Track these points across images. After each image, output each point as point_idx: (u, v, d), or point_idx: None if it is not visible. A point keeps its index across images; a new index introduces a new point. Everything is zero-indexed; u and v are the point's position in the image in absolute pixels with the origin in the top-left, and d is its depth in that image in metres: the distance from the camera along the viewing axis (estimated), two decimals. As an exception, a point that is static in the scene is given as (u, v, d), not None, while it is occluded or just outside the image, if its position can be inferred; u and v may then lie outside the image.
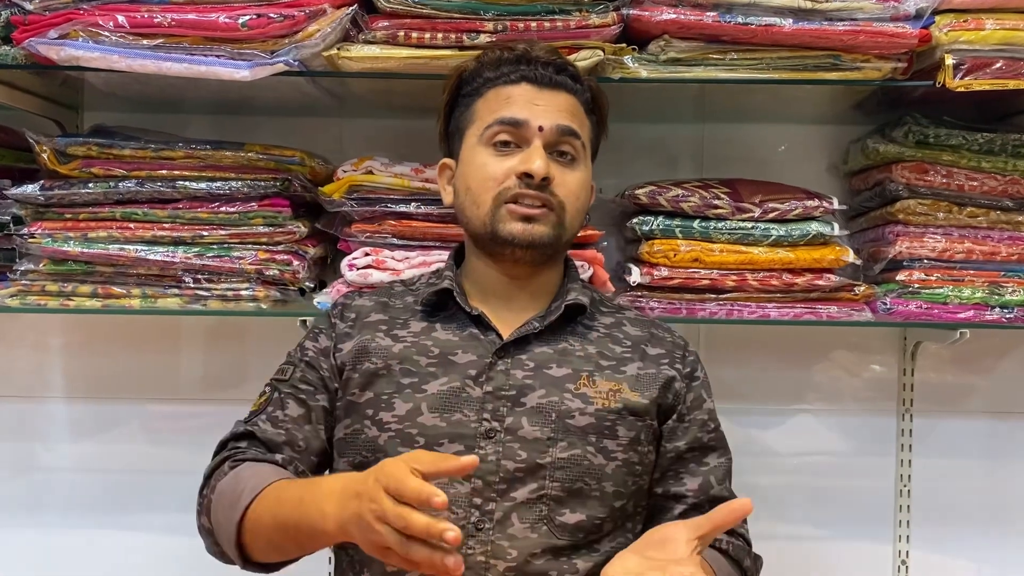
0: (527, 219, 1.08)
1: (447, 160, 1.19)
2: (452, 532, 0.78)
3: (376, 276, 1.40)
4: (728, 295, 1.47)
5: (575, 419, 1.06)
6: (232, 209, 1.43)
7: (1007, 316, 1.45)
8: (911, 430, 1.69)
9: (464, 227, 1.16)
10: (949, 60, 1.31)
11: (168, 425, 1.71)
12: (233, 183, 1.43)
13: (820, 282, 1.45)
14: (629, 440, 1.08)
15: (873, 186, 1.54)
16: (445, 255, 1.40)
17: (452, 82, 1.17)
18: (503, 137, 1.10)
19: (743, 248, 1.45)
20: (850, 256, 1.46)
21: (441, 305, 1.14)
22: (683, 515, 1.08)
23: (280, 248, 1.45)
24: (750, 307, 1.47)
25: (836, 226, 1.46)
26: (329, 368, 1.13)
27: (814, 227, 1.45)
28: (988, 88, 1.31)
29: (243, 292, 1.45)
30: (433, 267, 1.38)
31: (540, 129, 1.09)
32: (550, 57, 1.13)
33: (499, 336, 1.10)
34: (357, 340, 1.12)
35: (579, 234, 1.43)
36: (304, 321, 1.42)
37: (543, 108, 1.10)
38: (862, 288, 1.47)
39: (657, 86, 1.38)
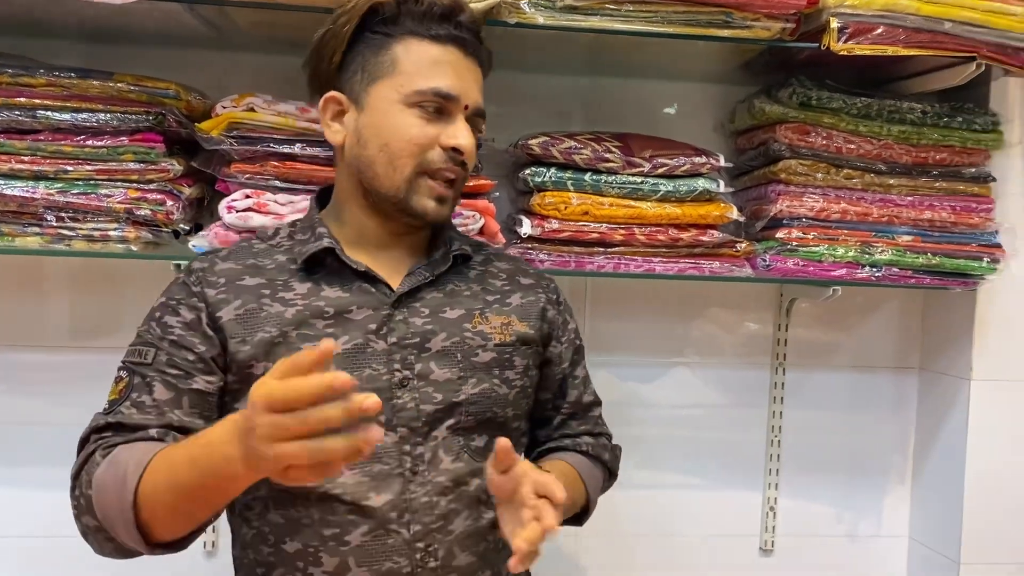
0: (440, 199, 1.09)
1: (336, 95, 1.10)
2: (370, 399, 0.74)
3: (257, 220, 1.34)
4: (616, 249, 1.48)
5: (479, 356, 1.10)
6: (100, 143, 1.34)
7: (876, 275, 1.52)
8: (783, 383, 1.77)
9: (360, 175, 1.09)
10: (834, 23, 1.34)
11: (33, 375, 1.60)
12: (101, 115, 1.34)
13: (704, 238, 1.48)
14: (523, 368, 1.14)
15: (758, 145, 1.58)
16: (331, 200, 1.36)
17: (359, 15, 1.08)
18: (433, 105, 1.07)
19: (632, 203, 1.47)
20: (734, 213, 1.49)
21: (317, 260, 1.09)
22: (561, 423, 1.25)
23: (152, 187, 1.36)
24: (637, 261, 1.49)
25: (721, 183, 1.49)
26: (204, 341, 1.04)
27: (701, 184, 1.47)
28: (868, 53, 1.35)
29: (111, 232, 1.36)
30: (288, 218, 1.33)
31: (466, 107, 1.09)
32: (475, 24, 1.11)
33: (388, 287, 1.09)
34: (240, 306, 1.05)
35: (471, 184, 1.42)
36: (179, 265, 1.35)
37: (468, 84, 1.09)
38: (743, 244, 1.51)
39: (551, 36, 1.36)
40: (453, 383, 1.07)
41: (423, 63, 1.07)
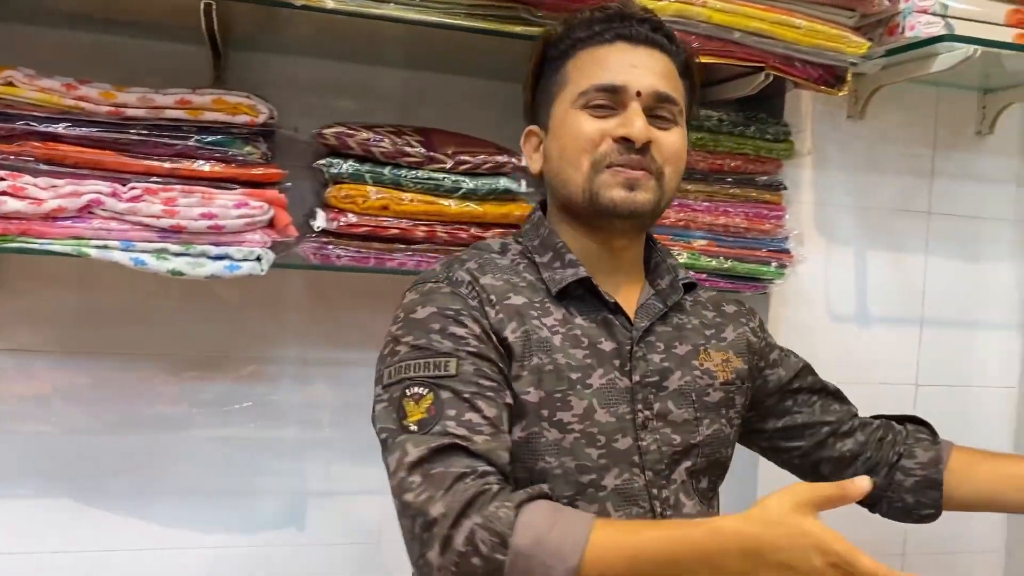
0: (629, 186, 1.04)
1: (533, 127, 1.14)
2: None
3: (12, 205, 1.21)
4: (418, 246, 1.44)
5: (710, 396, 1.10)
6: None
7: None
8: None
9: (555, 193, 1.11)
10: (631, 25, 1.35)
11: None
12: None
13: (506, 237, 1.47)
14: (741, 406, 1.15)
15: (563, 146, 1.58)
16: (102, 186, 1.26)
17: (539, 48, 1.12)
18: (599, 101, 1.05)
19: (434, 199, 1.43)
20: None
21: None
22: (852, 419, 1.24)
23: None
24: (440, 259, 1.45)
25: (524, 183, 1.48)
26: (499, 357, 0.99)
27: (503, 183, 1.45)
28: (662, 58, 1.37)
29: None
30: (50, 204, 1.22)
31: (638, 94, 1.04)
32: (645, 14, 1.08)
33: (628, 319, 1.07)
34: (516, 328, 1.01)
35: (258, 172, 1.35)
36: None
37: (640, 71, 1.05)
38: (544, 244, 1.50)
39: (362, 24, 1.30)
40: (690, 424, 1.07)
41: (588, 66, 1.06)
